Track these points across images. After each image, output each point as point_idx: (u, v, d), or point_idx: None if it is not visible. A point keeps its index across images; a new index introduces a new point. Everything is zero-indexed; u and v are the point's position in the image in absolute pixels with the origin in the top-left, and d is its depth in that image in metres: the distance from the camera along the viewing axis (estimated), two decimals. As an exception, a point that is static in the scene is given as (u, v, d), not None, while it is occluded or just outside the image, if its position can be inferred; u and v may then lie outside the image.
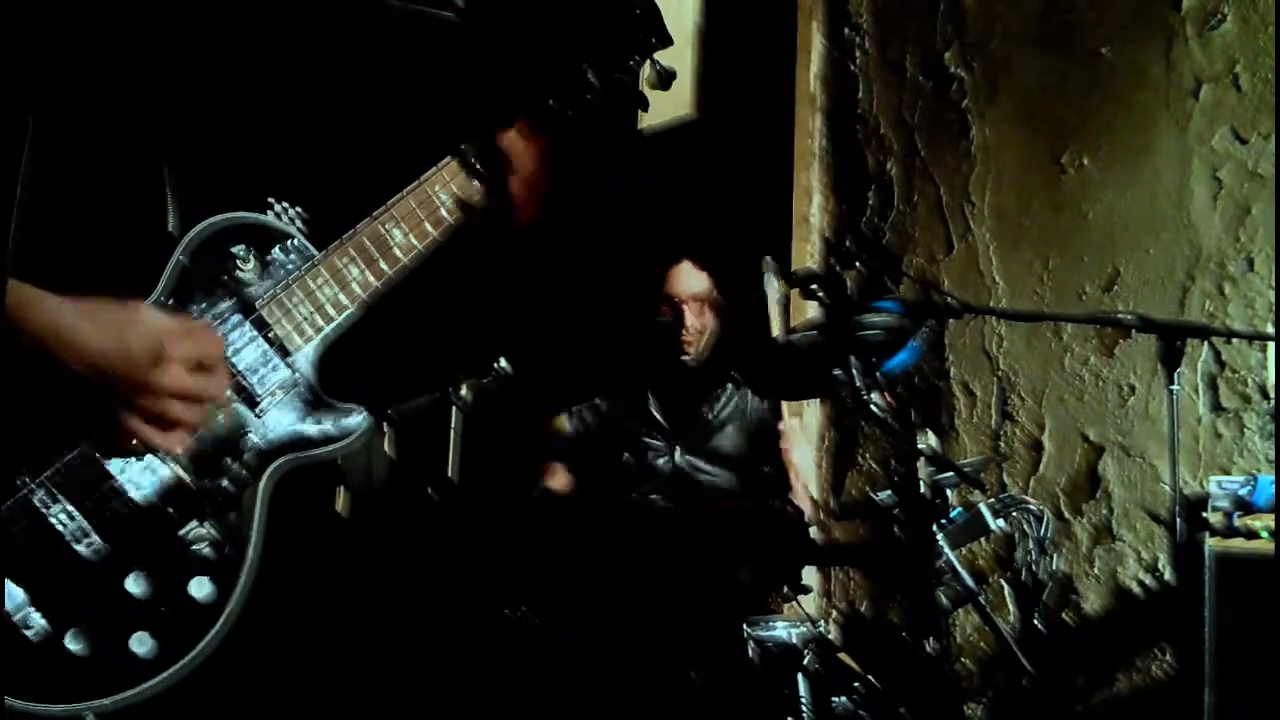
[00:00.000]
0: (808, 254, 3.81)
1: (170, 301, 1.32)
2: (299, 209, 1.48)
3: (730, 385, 3.04)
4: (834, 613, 3.68)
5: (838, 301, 2.47)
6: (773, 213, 3.82)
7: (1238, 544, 2.45)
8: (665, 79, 1.55)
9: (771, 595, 2.74)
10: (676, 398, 3.02)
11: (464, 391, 3.04)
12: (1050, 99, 3.48)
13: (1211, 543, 2.43)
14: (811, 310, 2.56)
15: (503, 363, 2.99)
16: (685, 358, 3.01)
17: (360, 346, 1.45)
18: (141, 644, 1.22)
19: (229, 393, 1.30)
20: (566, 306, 3.34)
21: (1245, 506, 2.46)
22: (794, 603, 2.67)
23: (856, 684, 2.38)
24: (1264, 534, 2.44)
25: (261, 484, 1.32)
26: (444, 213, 1.46)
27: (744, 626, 2.39)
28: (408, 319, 1.57)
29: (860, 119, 3.89)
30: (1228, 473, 2.93)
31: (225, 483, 1.31)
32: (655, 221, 3.50)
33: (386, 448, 3.12)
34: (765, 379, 3.05)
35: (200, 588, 1.26)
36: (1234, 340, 3.04)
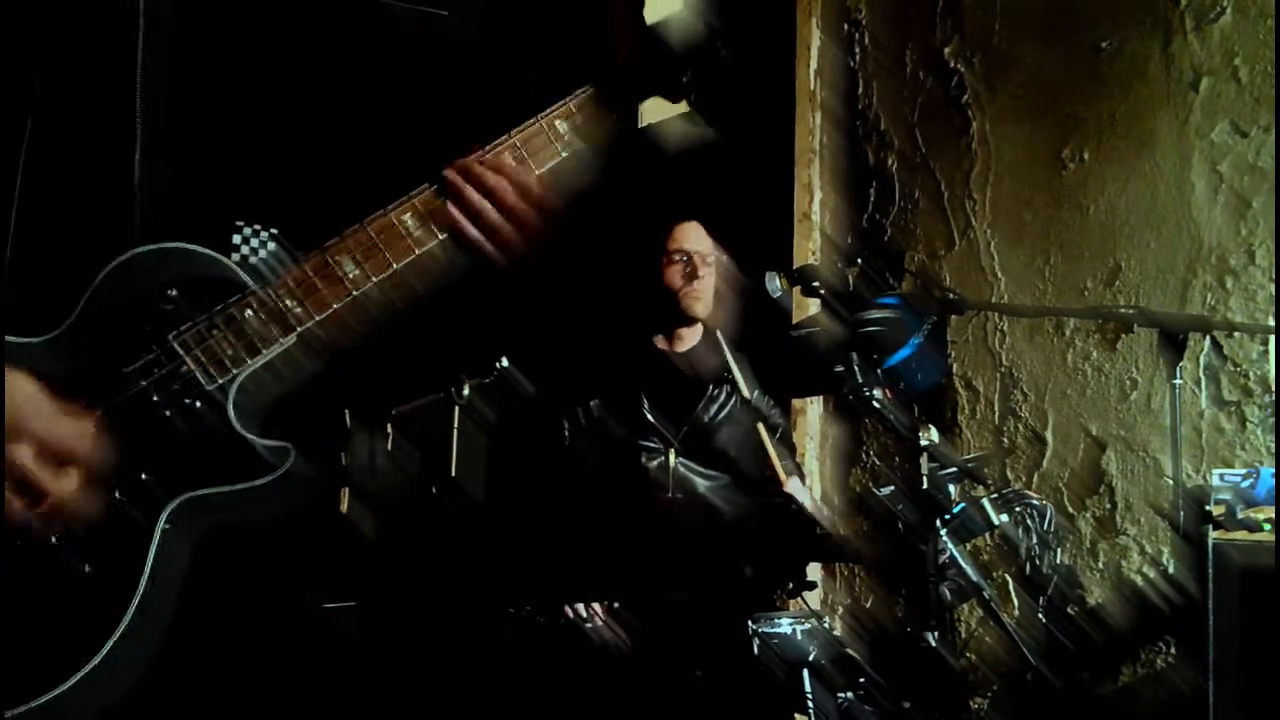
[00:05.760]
0: (809, 251, 3.81)
1: (80, 329, 1.25)
2: (272, 231, 1.42)
3: (726, 386, 3.02)
4: (839, 609, 3.68)
5: (840, 298, 2.47)
6: (774, 210, 3.82)
7: (1241, 536, 2.45)
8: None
9: (777, 592, 2.75)
10: (671, 399, 3.00)
11: (465, 391, 3.04)
12: (1050, 93, 3.48)
13: (1215, 535, 2.43)
14: (813, 307, 2.56)
15: (504, 362, 2.99)
16: (694, 315, 2.98)
17: (313, 383, 1.36)
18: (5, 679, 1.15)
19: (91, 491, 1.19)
20: (570, 306, 3.33)
21: (1247, 499, 2.46)
22: (799, 599, 2.68)
23: (862, 679, 2.38)
24: (1266, 526, 2.44)
25: (159, 522, 1.24)
26: (410, 244, 1.33)
27: (749, 623, 2.39)
28: (407, 318, 1.53)
29: (860, 115, 3.89)
30: (1230, 466, 2.93)
31: (112, 521, 1.22)
32: (659, 210, 3.49)
33: (389, 448, 3.13)
34: (769, 375, 3.06)
35: (74, 628, 1.18)
36: (1235, 333, 3.04)
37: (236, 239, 1.42)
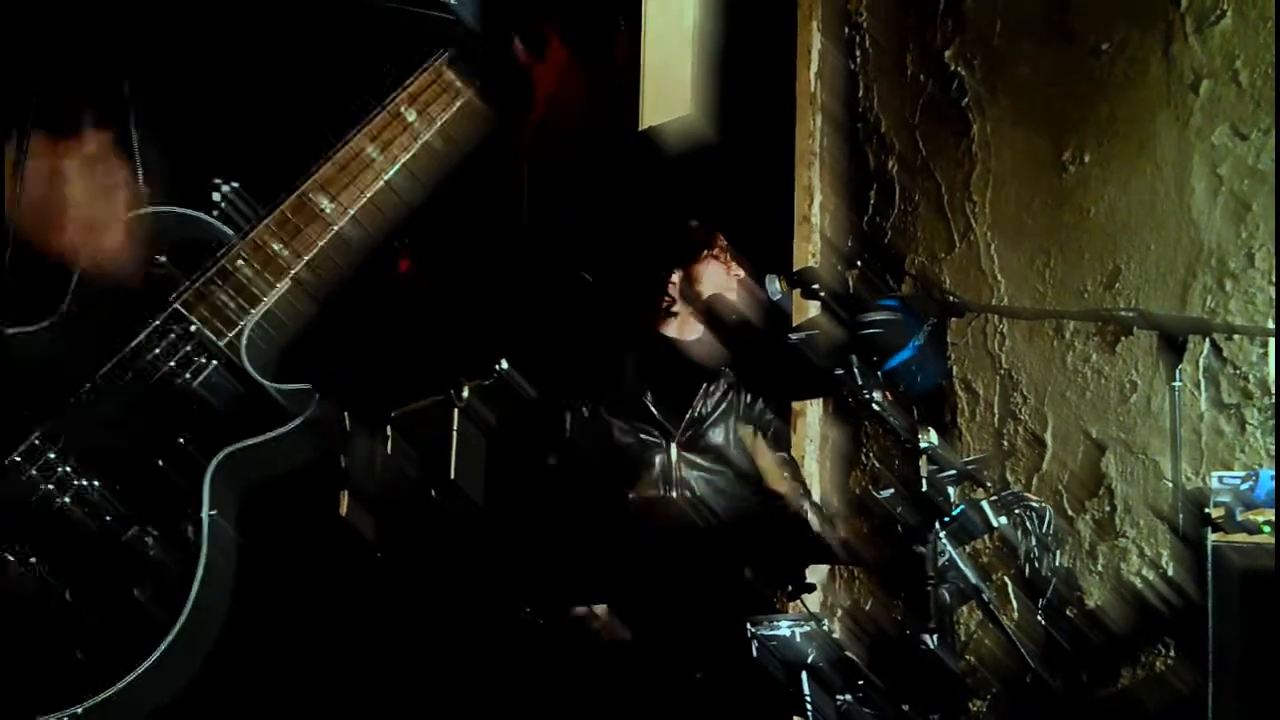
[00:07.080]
0: (809, 254, 3.82)
1: (78, 310, 1.26)
2: (234, 184, 1.42)
3: (724, 381, 3.03)
4: (838, 611, 3.68)
5: (840, 301, 2.48)
6: (774, 212, 3.83)
7: (1240, 539, 2.45)
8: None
9: (776, 594, 2.75)
10: (675, 388, 3.01)
11: (465, 393, 3.04)
12: (1051, 96, 3.48)
13: (1214, 538, 2.43)
14: (813, 310, 2.57)
15: (504, 364, 2.99)
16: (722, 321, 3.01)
17: (323, 330, 1.38)
18: (90, 653, 1.15)
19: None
20: (574, 301, 3.33)
21: (1246, 501, 2.46)
22: (798, 601, 2.68)
23: (861, 682, 2.38)
24: (1265, 529, 2.44)
25: (206, 479, 1.25)
26: (374, 171, 1.37)
27: (748, 625, 2.39)
28: (408, 320, 1.54)
29: (861, 118, 3.89)
30: (1229, 468, 2.93)
31: (162, 485, 1.22)
32: (667, 218, 3.50)
33: (388, 450, 3.13)
34: (768, 378, 3.06)
35: (149, 592, 1.18)
36: (1235, 336, 3.04)
37: (216, 196, 1.42)
